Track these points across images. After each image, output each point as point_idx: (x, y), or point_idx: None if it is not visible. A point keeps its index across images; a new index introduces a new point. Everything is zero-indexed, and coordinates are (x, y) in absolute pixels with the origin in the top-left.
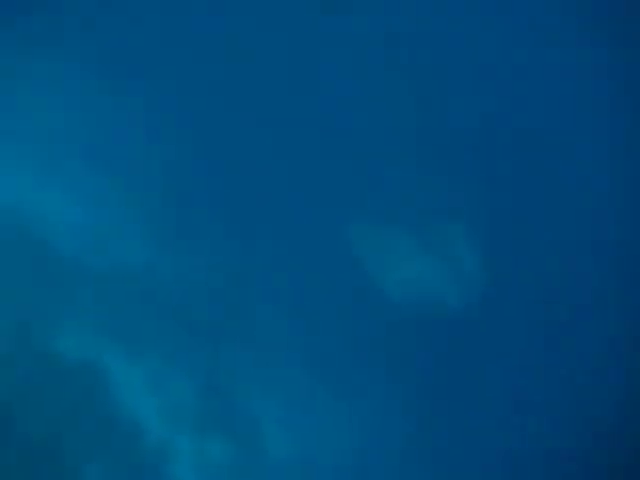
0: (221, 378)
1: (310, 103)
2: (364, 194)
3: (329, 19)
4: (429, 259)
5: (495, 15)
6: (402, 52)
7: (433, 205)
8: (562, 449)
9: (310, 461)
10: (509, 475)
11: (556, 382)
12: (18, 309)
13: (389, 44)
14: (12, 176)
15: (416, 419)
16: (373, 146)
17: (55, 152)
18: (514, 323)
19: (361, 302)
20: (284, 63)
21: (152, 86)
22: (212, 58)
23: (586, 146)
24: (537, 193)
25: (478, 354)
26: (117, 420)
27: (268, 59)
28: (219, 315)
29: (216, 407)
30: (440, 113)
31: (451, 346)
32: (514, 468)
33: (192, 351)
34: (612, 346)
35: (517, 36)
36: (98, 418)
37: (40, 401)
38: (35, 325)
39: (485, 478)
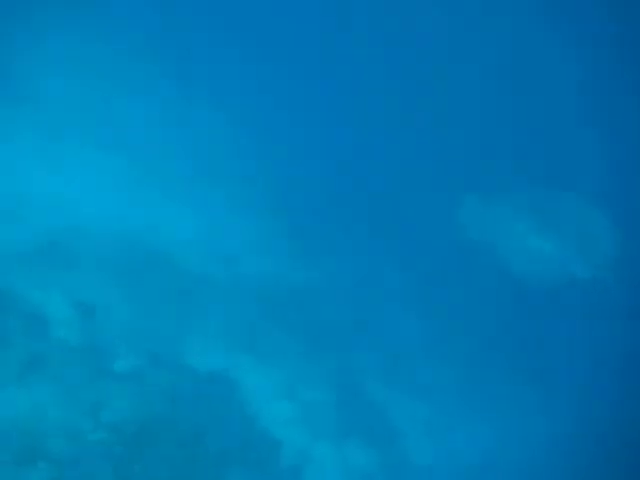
0: (356, 382)
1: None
2: (479, 170)
3: None
4: (554, 232)
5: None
6: None
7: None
8: None
9: (455, 465)
10: None
11: None
12: (151, 325)
13: None
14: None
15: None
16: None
17: (167, 168)
18: None
19: (495, 288)
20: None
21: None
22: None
23: None
24: None
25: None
26: (255, 429)
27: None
28: (348, 319)
29: (354, 412)
30: None
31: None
32: None
33: (325, 357)
34: None
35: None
36: (236, 427)
37: (178, 414)
38: (168, 340)
39: None
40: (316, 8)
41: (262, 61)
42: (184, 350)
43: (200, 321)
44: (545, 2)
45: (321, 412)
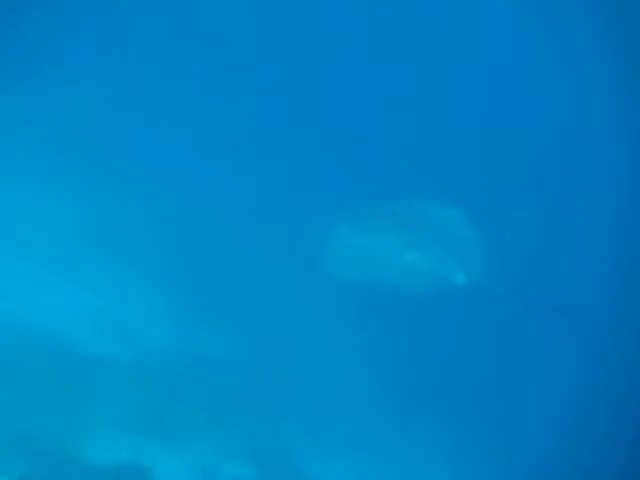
0: (277, 450)
1: None
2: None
3: None
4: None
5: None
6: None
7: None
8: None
9: None
10: None
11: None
12: (36, 424)
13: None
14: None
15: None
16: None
17: (49, 241)
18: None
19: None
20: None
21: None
22: None
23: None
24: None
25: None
26: None
27: None
28: (260, 386)
29: None
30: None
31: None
32: None
33: (240, 430)
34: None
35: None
36: None
37: None
38: (60, 438)
39: None
40: None
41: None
42: (81, 447)
43: (97, 409)
44: None
45: None
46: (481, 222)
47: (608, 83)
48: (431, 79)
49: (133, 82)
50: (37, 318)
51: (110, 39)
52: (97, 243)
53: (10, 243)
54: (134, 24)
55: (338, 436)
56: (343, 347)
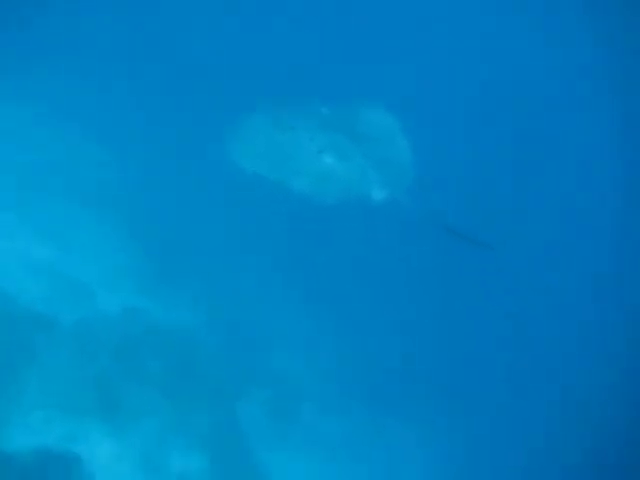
0: (234, 440)
1: None
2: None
3: None
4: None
5: None
6: None
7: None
8: None
9: None
10: None
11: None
12: None
13: None
14: None
15: None
16: None
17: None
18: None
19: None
20: None
21: None
22: None
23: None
24: None
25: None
26: None
27: None
28: (222, 360)
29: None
30: None
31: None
32: None
33: (196, 414)
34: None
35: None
36: None
37: None
38: None
39: None
40: None
41: None
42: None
43: (29, 381)
44: None
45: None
46: (415, 136)
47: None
48: None
49: None
50: None
51: None
52: (55, 191)
53: None
54: None
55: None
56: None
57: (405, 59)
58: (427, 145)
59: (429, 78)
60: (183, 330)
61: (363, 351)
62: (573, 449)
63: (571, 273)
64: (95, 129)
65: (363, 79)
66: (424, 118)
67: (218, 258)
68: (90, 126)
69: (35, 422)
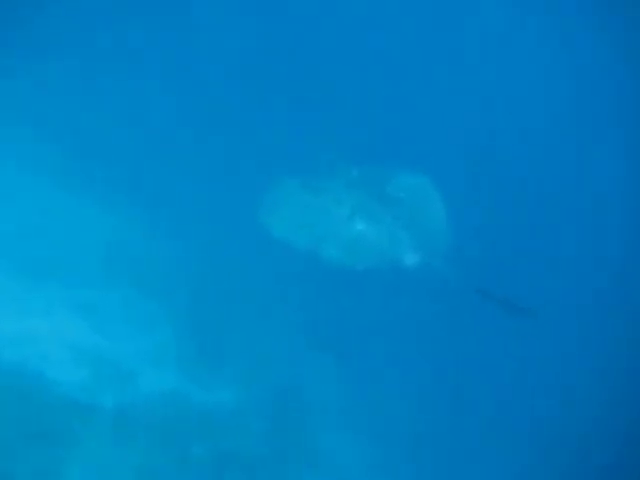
0: None
1: None
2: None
3: None
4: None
5: None
6: None
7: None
8: None
9: None
10: None
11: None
12: None
13: None
14: None
15: None
16: None
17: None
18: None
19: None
20: None
21: None
22: None
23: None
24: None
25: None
26: None
27: None
28: (269, 444)
29: None
30: None
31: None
32: None
33: None
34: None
35: None
36: None
37: None
38: None
39: None
40: None
41: None
42: None
43: (72, 472)
44: None
45: None
46: (450, 198)
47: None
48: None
49: None
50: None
51: None
52: (93, 265)
53: None
54: None
55: None
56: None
57: (438, 120)
58: (462, 208)
59: (464, 139)
60: (226, 411)
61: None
62: None
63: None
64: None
65: (395, 140)
66: (459, 180)
67: (254, 331)
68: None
69: None
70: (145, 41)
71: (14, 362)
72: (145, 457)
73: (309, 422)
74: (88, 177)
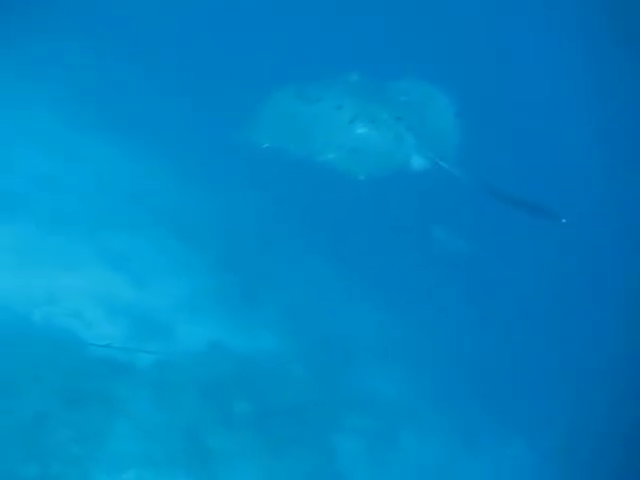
0: None
1: None
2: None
3: None
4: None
5: None
6: None
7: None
8: None
9: None
10: None
11: None
12: None
13: None
14: None
15: None
16: None
17: None
18: None
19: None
20: None
21: None
22: None
23: None
24: None
25: None
26: None
27: None
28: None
29: None
30: None
31: None
32: None
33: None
34: None
35: None
36: None
37: None
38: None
39: None
40: None
41: None
42: None
43: (115, 436)
44: None
45: None
46: (455, 98)
47: None
48: None
49: None
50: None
51: None
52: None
53: None
54: None
55: None
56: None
57: (443, 25)
58: (471, 110)
59: (469, 45)
60: (270, 359)
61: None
62: None
63: None
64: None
65: (398, 46)
66: (464, 83)
67: (282, 264)
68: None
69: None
70: None
71: (46, 323)
72: (190, 416)
73: (356, 368)
74: (111, 126)
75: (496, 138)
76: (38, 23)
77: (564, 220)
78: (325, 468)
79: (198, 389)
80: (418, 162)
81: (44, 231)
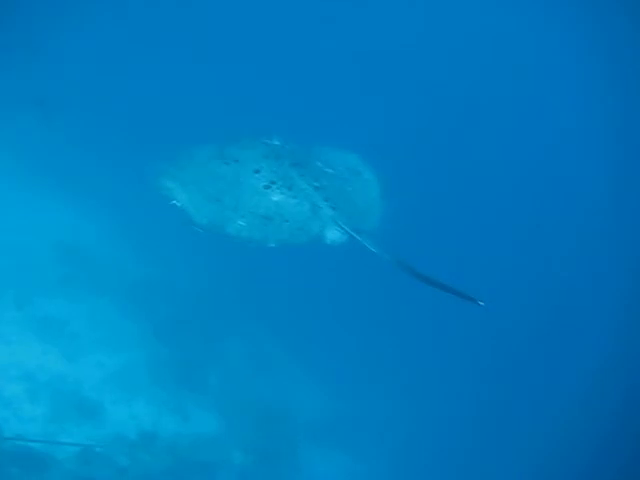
0: None
1: None
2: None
3: None
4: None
5: None
6: None
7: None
8: None
9: None
10: None
11: None
12: None
13: None
14: None
15: None
16: None
17: None
18: None
19: None
20: None
21: None
22: None
23: None
24: None
25: None
26: None
27: None
28: None
29: None
30: None
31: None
32: None
33: None
34: None
35: None
36: None
37: None
38: None
39: None
40: None
41: None
42: None
43: None
44: None
45: None
46: (380, 174)
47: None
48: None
49: None
50: None
51: None
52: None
53: None
54: None
55: None
56: None
57: (370, 96)
58: (393, 185)
59: (396, 116)
60: (207, 446)
61: None
62: None
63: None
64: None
65: (325, 117)
66: (389, 157)
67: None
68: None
69: None
70: None
71: None
72: None
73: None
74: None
75: (420, 218)
76: None
77: (482, 303)
78: None
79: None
80: (333, 234)
81: None
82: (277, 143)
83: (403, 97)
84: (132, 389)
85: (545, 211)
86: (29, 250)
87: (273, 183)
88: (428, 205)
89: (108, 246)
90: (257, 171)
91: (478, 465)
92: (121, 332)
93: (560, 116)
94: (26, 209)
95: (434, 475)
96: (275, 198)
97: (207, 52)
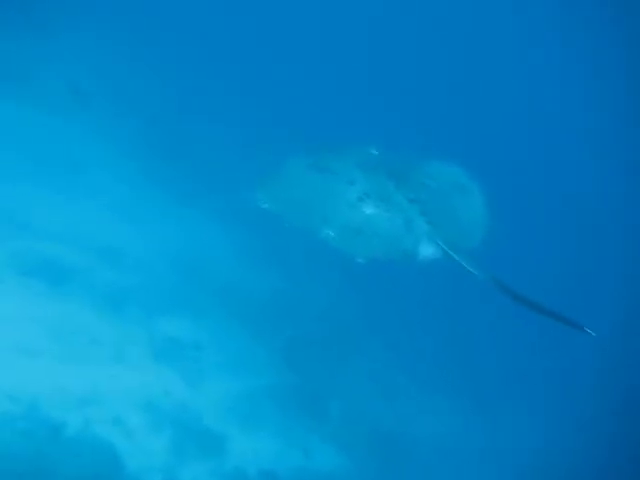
0: None
1: None
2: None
3: None
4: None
5: None
6: None
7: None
8: None
9: None
10: None
11: None
12: None
13: None
14: None
15: None
16: None
17: None
18: None
19: None
20: None
21: None
22: None
23: None
24: None
25: None
26: None
27: None
28: None
29: None
30: None
31: None
32: None
33: None
34: None
35: None
36: None
37: None
38: None
39: None
40: None
41: None
42: None
43: None
44: None
45: None
46: (485, 192)
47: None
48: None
49: None
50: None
51: None
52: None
53: None
54: None
55: None
56: None
57: (477, 111)
58: (500, 203)
59: (506, 132)
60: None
61: None
62: None
63: None
64: None
65: (427, 125)
66: (496, 174)
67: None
68: None
69: None
70: None
71: (81, 431)
72: None
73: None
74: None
75: (525, 237)
76: None
77: (592, 332)
78: None
79: None
80: (426, 250)
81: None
82: (375, 152)
83: (516, 111)
84: (255, 419)
85: None
86: (152, 268)
87: (367, 195)
88: (536, 226)
89: (226, 263)
90: (351, 182)
91: None
92: (247, 356)
93: None
94: (150, 225)
95: None
96: (368, 211)
97: (307, 62)
